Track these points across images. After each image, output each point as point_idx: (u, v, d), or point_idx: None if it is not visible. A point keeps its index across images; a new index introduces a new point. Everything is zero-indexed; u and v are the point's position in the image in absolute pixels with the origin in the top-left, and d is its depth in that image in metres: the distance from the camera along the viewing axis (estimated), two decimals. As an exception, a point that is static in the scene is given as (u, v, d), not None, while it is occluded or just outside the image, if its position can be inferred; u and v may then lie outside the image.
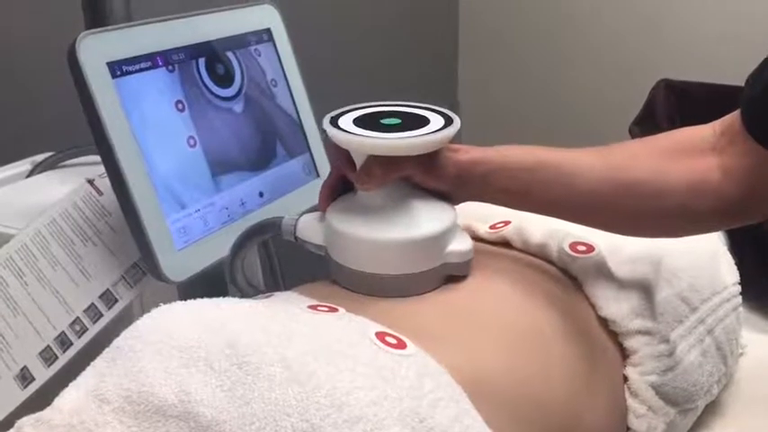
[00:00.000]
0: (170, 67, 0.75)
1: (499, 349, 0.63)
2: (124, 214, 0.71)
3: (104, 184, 0.74)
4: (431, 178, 0.70)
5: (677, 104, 1.44)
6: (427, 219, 0.69)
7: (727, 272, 0.85)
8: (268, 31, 0.88)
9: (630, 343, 0.72)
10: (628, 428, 0.71)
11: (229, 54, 0.83)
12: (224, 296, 0.62)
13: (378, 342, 0.56)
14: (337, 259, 0.70)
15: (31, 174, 0.97)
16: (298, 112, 0.90)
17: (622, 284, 0.74)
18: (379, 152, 0.68)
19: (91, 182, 0.75)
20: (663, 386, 0.72)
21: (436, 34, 2.01)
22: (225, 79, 0.82)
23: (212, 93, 0.80)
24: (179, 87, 0.76)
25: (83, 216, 0.75)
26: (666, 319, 0.74)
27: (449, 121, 0.70)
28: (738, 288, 0.85)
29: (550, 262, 0.76)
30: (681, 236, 0.74)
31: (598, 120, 1.81)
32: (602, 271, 0.75)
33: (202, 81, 0.79)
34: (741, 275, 0.87)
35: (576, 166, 0.69)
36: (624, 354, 0.73)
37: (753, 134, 0.64)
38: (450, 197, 0.72)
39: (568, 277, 0.75)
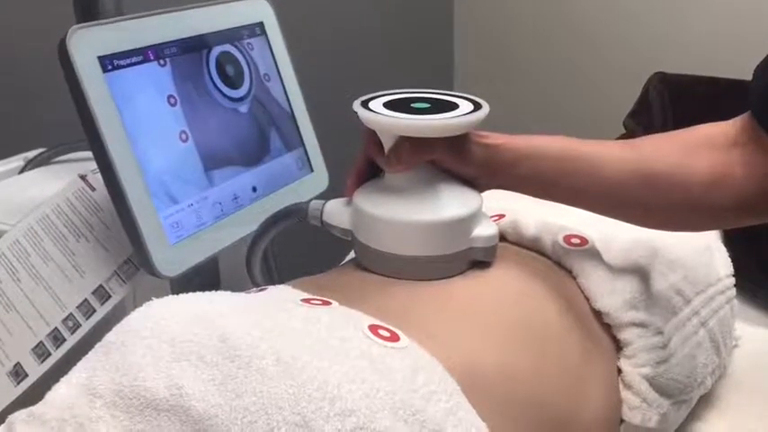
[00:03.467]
0: (161, 62, 0.75)
1: (494, 342, 0.63)
2: (116, 209, 0.71)
3: (97, 179, 0.74)
4: (459, 162, 0.70)
5: (672, 97, 1.44)
6: (454, 202, 0.70)
7: (722, 264, 0.85)
8: (261, 24, 0.87)
9: (624, 335, 0.72)
10: (622, 420, 0.71)
11: (237, 54, 0.83)
12: (216, 290, 0.62)
13: (371, 335, 0.56)
14: (365, 241, 0.71)
15: (23, 170, 0.97)
16: (291, 107, 0.89)
17: (616, 277, 0.74)
18: (409, 133, 0.68)
19: (83, 177, 0.75)
20: (656, 378, 0.72)
21: (431, 30, 2.01)
22: (234, 80, 0.82)
23: (221, 92, 0.80)
24: (171, 82, 0.76)
25: (75, 212, 0.75)
26: (660, 311, 0.74)
27: (477, 107, 0.71)
28: (732, 280, 0.86)
29: (545, 255, 0.76)
30: (703, 230, 0.75)
31: (593, 112, 1.81)
32: (596, 263, 0.75)
33: (210, 78, 0.79)
34: (735, 267, 0.87)
35: (603, 157, 0.70)
36: (618, 346, 0.73)
37: (765, 127, 0.64)
38: (477, 184, 0.72)
39: (562, 270, 0.75)
